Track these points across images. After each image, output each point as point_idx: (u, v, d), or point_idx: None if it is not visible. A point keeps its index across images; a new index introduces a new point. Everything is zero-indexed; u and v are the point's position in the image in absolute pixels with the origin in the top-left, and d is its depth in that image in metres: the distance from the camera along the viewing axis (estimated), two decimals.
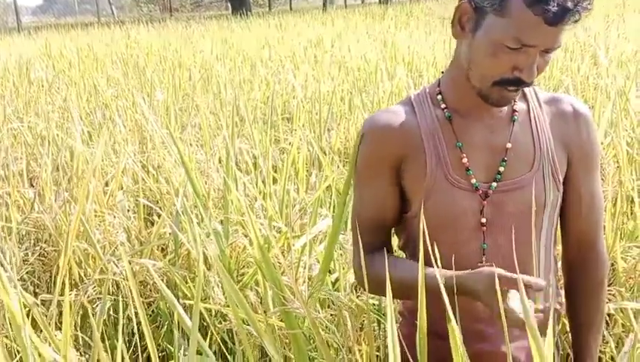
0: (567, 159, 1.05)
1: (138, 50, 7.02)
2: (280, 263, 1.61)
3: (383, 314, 1.51)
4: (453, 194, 1.00)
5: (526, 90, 1.05)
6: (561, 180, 1.04)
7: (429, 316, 0.84)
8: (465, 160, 1.00)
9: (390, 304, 0.81)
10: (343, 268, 1.67)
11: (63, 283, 1.64)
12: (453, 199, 1.00)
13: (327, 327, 1.21)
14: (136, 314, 1.86)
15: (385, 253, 1.02)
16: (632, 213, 1.89)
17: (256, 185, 2.28)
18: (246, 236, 1.82)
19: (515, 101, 1.03)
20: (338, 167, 2.68)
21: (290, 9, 21.14)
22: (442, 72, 1.07)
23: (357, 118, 3.10)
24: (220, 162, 2.67)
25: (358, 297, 1.55)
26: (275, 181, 2.38)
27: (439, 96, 1.04)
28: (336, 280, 1.66)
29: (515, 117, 1.02)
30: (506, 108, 1.03)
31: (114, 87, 4.64)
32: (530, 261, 1.03)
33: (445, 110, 1.02)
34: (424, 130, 1.02)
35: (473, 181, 1.00)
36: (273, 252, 1.49)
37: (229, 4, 24.73)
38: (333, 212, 2.19)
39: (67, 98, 3.93)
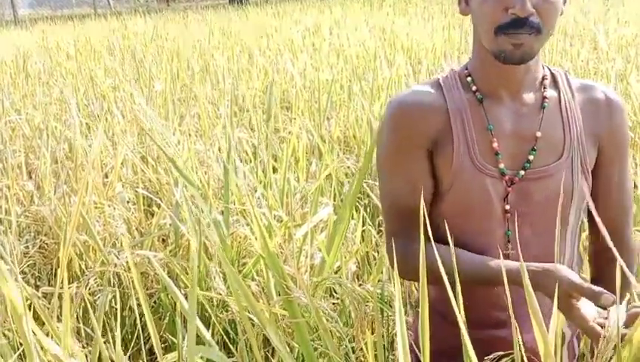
0: (598, 147, 1.02)
1: (135, 41, 6.98)
2: (282, 252, 1.61)
3: (386, 303, 1.50)
4: (479, 180, 0.98)
5: (558, 77, 1.03)
6: (590, 170, 1.02)
7: (447, 303, 0.83)
8: (495, 144, 0.97)
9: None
10: (345, 257, 1.67)
11: (64, 275, 1.63)
12: (479, 185, 0.97)
13: (330, 316, 1.20)
14: (139, 305, 1.86)
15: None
16: (634, 197, 1.88)
17: (257, 174, 2.27)
18: (247, 225, 1.81)
19: (545, 88, 1.00)
20: (338, 155, 2.67)
21: None
22: (470, 58, 1.05)
23: (356, 106, 3.08)
24: (219, 151, 2.65)
25: (360, 286, 1.55)
26: (275, 170, 2.37)
27: (469, 78, 1.01)
28: (338, 268, 1.65)
29: (546, 104, 0.99)
30: (533, 95, 1.00)
31: (112, 77, 4.62)
32: (555, 251, 1.02)
33: (477, 92, 1.00)
34: (452, 112, 0.99)
35: (501, 166, 0.97)
36: (275, 241, 1.48)
37: None
38: (334, 200, 2.18)
39: (64, 90, 3.91)
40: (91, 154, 2.07)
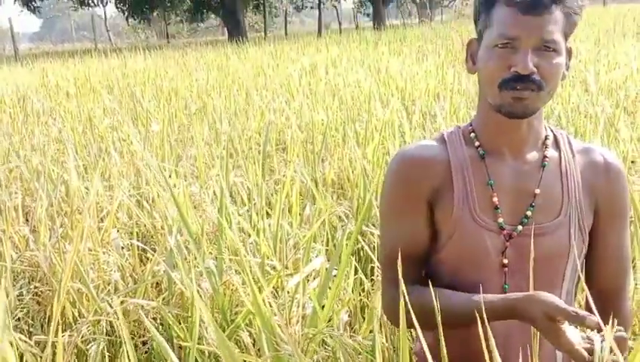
0: (595, 210, 1.05)
1: (134, 80, 7.08)
2: (274, 301, 1.62)
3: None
4: (477, 233, 1.01)
5: (560, 138, 1.07)
6: (587, 231, 1.05)
7: (448, 353, 0.85)
8: (495, 199, 1.01)
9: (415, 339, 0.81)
10: (337, 306, 1.68)
11: (58, 325, 1.64)
12: (478, 239, 1.01)
13: None
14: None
15: (430, 286, 0.97)
16: None
17: (251, 219, 2.29)
18: (239, 274, 1.82)
19: (547, 147, 1.05)
20: (332, 197, 2.70)
21: (286, 34, 21.35)
22: (475, 115, 1.10)
23: (350, 150, 3.12)
24: (214, 194, 2.68)
25: (351, 337, 1.56)
26: (268, 214, 2.39)
27: (472, 134, 1.06)
28: (330, 318, 1.66)
29: (546, 163, 1.04)
30: (536, 154, 1.04)
31: (110, 117, 4.68)
32: None
33: (479, 148, 1.04)
34: (454, 167, 1.04)
35: (500, 220, 1.01)
36: (266, 293, 1.49)
37: (226, 30, 25.02)
38: (327, 245, 2.20)
39: (63, 131, 3.95)
40: (88, 201, 2.09)
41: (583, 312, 0.82)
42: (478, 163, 1.03)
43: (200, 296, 1.73)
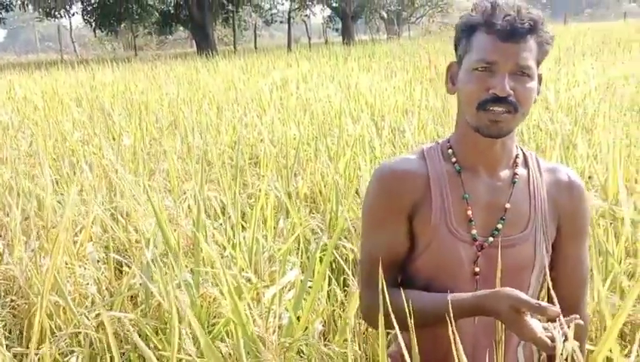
0: (558, 225, 1.15)
1: (103, 93, 7.04)
2: (251, 313, 1.67)
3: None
4: (452, 244, 1.10)
5: (529, 158, 1.17)
6: (551, 243, 1.15)
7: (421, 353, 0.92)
8: (470, 212, 1.10)
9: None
10: (311, 316, 1.74)
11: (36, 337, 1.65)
12: (452, 249, 1.09)
13: None
14: None
15: (401, 289, 1.07)
16: None
17: (226, 232, 2.34)
18: (216, 286, 1.87)
19: (517, 165, 1.14)
20: (305, 211, 2.76)
21: (255, 48, 21.42)
22: (453, 133, 1.19)
23: (322, 164, 3.20)
24: (189, 208, 2.72)
25: (325, 345, 1.62)
26: (243, 228, 2.44)
27: (450, 150, 1.15)
28: (305, 328, 1.72)
29: (516, 180, 1.13)
30: (507, 171, 1.13)
31: (80, 130, 4.66)
32: None
33: (456, 164, 1.13)
34: (433, 181, 1.12)
35: (473, 232, 1.10)
36: (244, 303, 1.55)
37: (194, 42, 24.97)
38: (301, 258, 2.26)
39: (33, 143, 3.93)
40: (63, 216, 2.11)
41: (544, 304, 0.91)
42: (455, 178, 1.12)
43: (178, 307, 1.77)
